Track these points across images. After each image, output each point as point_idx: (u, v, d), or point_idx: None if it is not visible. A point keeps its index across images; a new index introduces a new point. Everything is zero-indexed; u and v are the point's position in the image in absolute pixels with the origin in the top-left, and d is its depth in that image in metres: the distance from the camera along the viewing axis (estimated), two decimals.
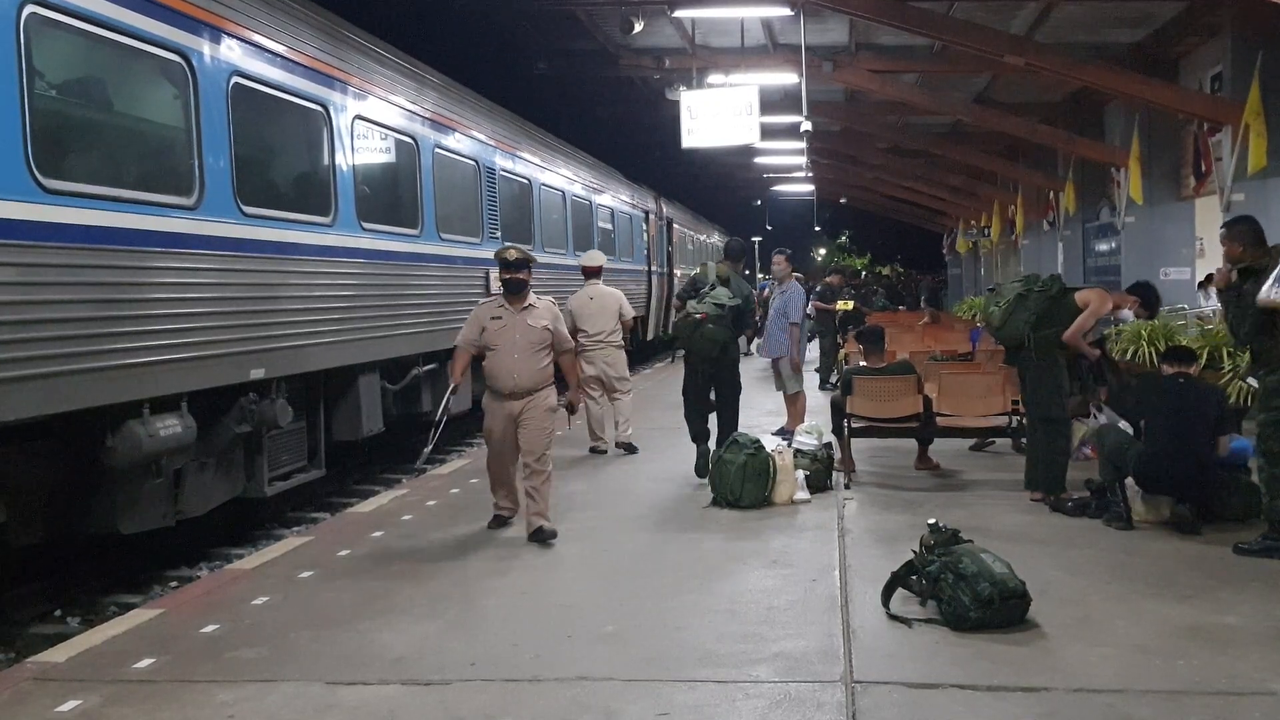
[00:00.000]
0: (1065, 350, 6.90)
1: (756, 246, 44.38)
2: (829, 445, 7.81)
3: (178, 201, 6.24)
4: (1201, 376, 7.28)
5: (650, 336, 21.02)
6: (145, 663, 4.34)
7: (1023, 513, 6.68)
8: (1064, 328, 6.83)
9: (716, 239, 31.08)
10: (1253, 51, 11.55)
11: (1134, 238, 16.39)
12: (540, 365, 6.32)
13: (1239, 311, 5.75)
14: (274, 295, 7.19)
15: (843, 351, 13.59)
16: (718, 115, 14.01)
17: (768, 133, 16.45)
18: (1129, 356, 9.69)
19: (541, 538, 6.18)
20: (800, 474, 7.23)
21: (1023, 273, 22.40)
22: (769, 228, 46.87)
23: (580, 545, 6.07)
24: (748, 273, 39.48)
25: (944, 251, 39.89)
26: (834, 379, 13.30)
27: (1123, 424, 6.63)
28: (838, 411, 7.97)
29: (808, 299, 11.67)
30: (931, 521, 5.07)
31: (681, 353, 8.84)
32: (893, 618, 4.66)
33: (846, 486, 7.65)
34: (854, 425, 7.94)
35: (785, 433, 8.95)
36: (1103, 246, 20.06)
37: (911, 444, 8.29)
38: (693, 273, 8.77)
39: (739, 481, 6.98)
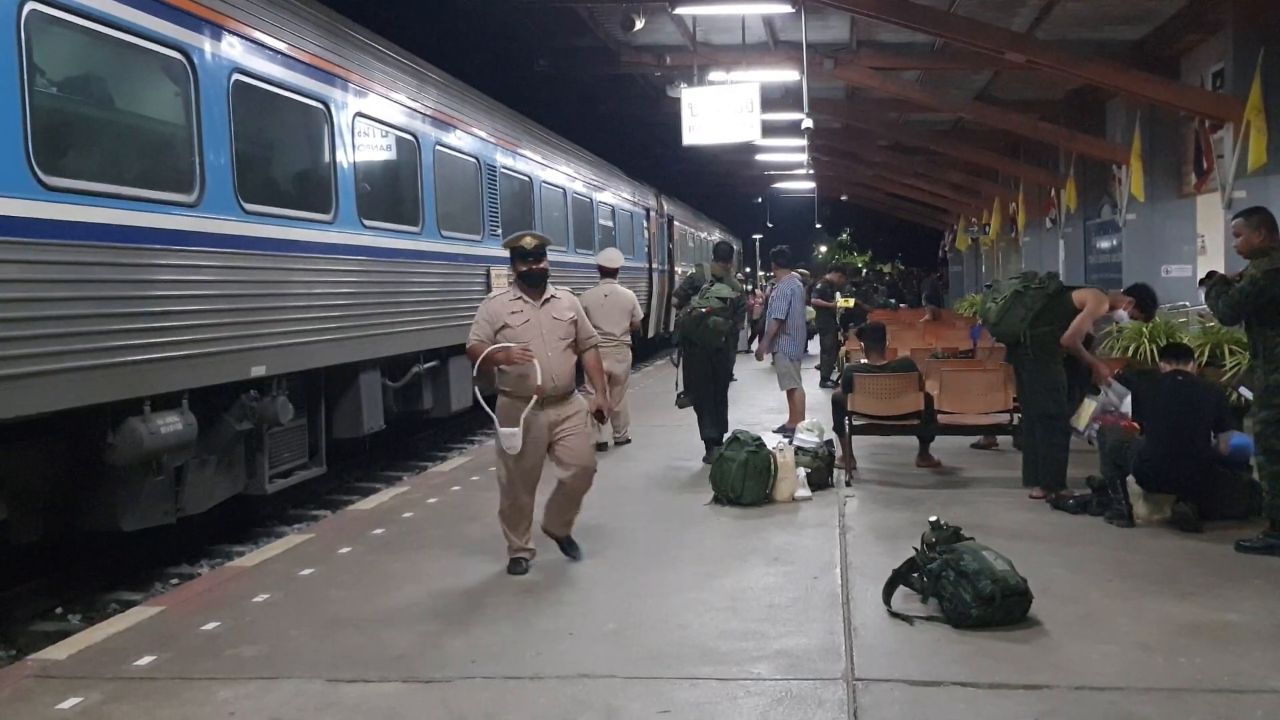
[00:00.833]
0: (1061, 349, 6.89)
1: (757, 244, 44.38)
2: (830, 443, 7.81)
3: (178, 199, 6.24)
4: (1203, 374, 7.29)
5: (651, 334, 21.01)
6: (146, 660, 4.34)
7: (1024, 510, 6.68)
8: (1060, 326, 6.82)
9: (717, 236, 31.07)
10: (1254, 48, 11.51)
11: (1135, 235, 16.36)
12: (571, 363, 5.69)
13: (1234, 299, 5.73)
14: (275, 293, 7.19)
15: (844, 349, 13.58)
16: (719, 112, 14.00)
17: (768, 130, 16.41)
18: (1130, 354, 9.70)
19: (574, 552, 5.87)
20: (801, 471, 7.23)
21: (1024, 270, 22.44)
22: (770, 225, 46.98)
23: (581, 543, 6.06)
24: (747, 270, 39.50)
25: (944, 249, 39.83)
26: (835, 376, 13.30)
27: (1128, 401, 6.57)
28: (839, 409, 7.96)
29: (807, 295, 11.64)
30: (933, 519, 5.08)
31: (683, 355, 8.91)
32: (894, 615, 4.65)
33: (848, 484, 7.65)
34: (855, 423, 7.94)
35: (786, 430, 9.02)
36: (1104, 244, 20.03)
37: (913, 441, 8.29)
38: (690, 273, 9.16)
39: (740, 479, 6.98)
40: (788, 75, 16.19)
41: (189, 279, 6.27)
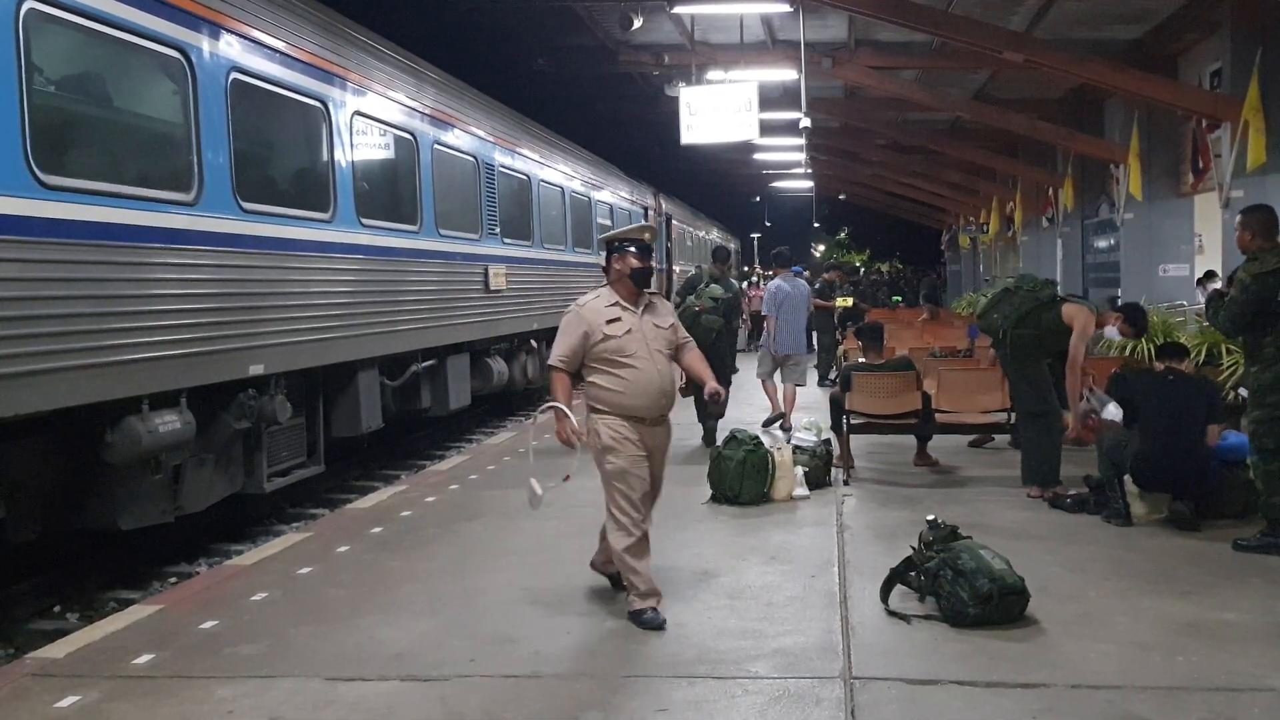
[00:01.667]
0: (1043, 352, 6.92)
1: (755, 243, 44.37)
2: (828, 442, 7.83)
3: (177, 197, 6.24)
4: (1200, 371, 7.29)
5: None
6: (144, 659, 4.34)
7: (1021, 509, 6.69)
8: (1043, 333, 6.84)
9: (715, 235, 31.08)
10: (1252, 47, 11.53)
11: (1133, 234, 16.38)
12: (676, 373, 4.96)
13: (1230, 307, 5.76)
14: (273, 291, 7.19)
15: (842, 348, 13.59)
16: (717, 111, 14.02)
17: (767, 129, 16.44)
18: (1126, 353, 9.72)
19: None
20: (799, 470, 7.23)
21: (1021, 269, 22.44)
22: (768, 224, 46.95)
23: (579, 541, 6.05)
24: (745, 268, 39.59)
25: (942, 247, 39.84)
26: (833, 375, 13.32)
27: (1112, 407, 6.60)
28: (837, 408, 7.97)
29: (806, 294, 11.70)
30: (930, 518, 5.09)
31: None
32: (891, 614, 4.66)
33: (845, 483, 7.66)
34: (853, 422, 7.95)
35: (770, 422, 10.13)
36: (1102, 243, 20.05)
37: (910, 440, 8.30)
38: (689, 273, 9.44)
39: (738, 478, 6.98)
40: (786, 74, 16.19)
41: (187, 278, 6.27)
